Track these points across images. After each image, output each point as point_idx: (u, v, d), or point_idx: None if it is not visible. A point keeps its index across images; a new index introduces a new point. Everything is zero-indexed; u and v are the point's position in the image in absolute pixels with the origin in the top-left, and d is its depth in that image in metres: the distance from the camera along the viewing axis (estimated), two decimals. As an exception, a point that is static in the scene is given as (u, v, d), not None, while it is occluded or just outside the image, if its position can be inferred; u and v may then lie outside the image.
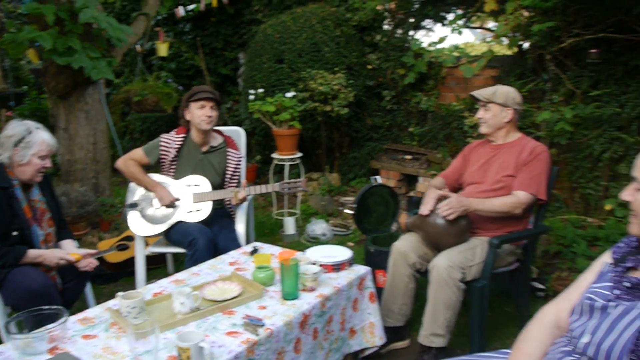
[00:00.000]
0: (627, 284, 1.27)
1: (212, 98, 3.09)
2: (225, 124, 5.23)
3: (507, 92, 2.66)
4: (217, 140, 3.27)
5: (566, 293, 1.49)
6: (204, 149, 3.20)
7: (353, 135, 5.74)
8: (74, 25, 3.86)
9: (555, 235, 3.79)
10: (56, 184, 4.39)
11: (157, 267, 3.83)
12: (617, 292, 1.28)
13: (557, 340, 1.41)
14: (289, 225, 4.46)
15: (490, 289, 2.58)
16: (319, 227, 4.40)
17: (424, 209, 2.55)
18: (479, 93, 2.70)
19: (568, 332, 1.37)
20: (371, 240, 3.24)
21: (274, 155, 4.72)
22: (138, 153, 3.15)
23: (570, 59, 4.19)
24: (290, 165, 4.70)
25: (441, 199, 2.55)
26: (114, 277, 3.73)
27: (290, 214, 4.71)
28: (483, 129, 2.75)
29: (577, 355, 1.29)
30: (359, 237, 4.39)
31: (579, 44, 3.95)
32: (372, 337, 2.43)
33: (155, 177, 3.13)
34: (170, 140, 3.15)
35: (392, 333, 2.72)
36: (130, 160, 3.13)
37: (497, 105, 2.66)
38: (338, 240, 4.40)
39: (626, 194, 1.29)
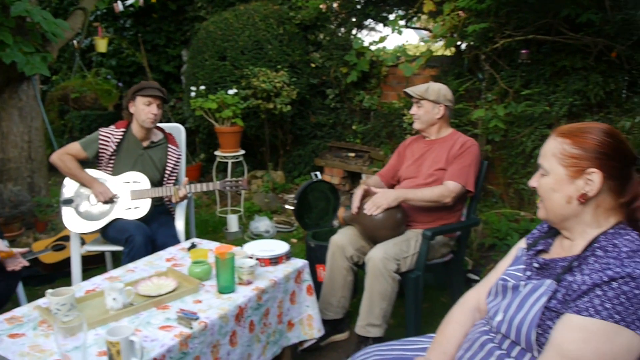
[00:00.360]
0: (536, 265, 1.35)
1: (160, 96, 3.05)
2: (168, 122, 5.16)
3: (438, 89, 2.76)
4: (157, 136, 3.24)
5: (486, 278, 1.57)
6: (145, 144, 3.15)
7: (297, 133, 5.78)
8: (5, 19, 3.72)
9: (491, 229, 3.94)
10: (-12, 184, 4.23)
11: (96, 267, 3.74)
12: (528, 273, 1.37)
13: (478, 322, 1.48)
14: (232, 223, 4.44)
15: (425, 280, 2.67)
16: (262, 224, 4.41)
17: (353, 208, 2.66)
18: (411, 90, 2.79)
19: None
20: (312, 236, 3.28)
21: (217, 153, 4.70)
22: (75, 147, 3.07)
23: (504, 59, 4.37)
24: (234, 162, 4.69)
25: (367, 195, 2.65)
26: (50, 279, 3.62)
27: (234, 212, 4.70)
28: (416, 125, 2.84)
29: (493, 334, 1.36)
30: (302, 234, 4.43)
31: (511, 44, 4.12)
32: (311, 329, 2.46)
33: (92, 173, 3.06)
34: (110, 135, 3.09)
35: (332, 326, 2.77)
36: (66, 155, 3.04)
37: (429, 102, 2.75)
38: (281, 236, 4.41)
39: (533, 181, 1.37)
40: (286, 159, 5.81)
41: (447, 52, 5.03)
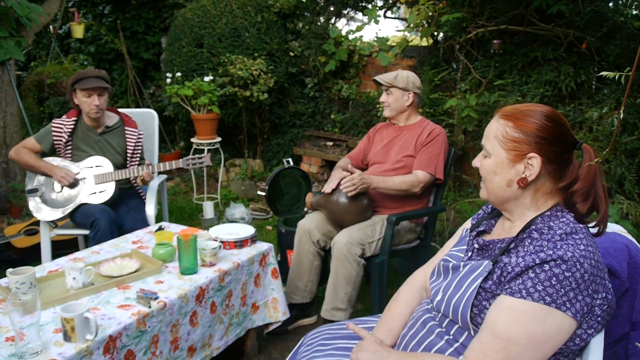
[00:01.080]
0: (476, 246, 1.39)
1: (97, 87, 2.98)
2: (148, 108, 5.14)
3: (407, 77, 2.79)
4: (112, 120, 3.21)
5: (433, 258, 1.60)
6: (100, 129, 3.14)
7: (276, 122, 5.78)
8: (-24, 2, 3.69)
9: (463, 217, 3.99)
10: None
11: (69, 251, 3.72)
12: (469, 253, 1.40)
13: (423, 301, 1.52)
14: (208, 210, 4.46)
15: (392, 266, 2.71)
16: (238, 211, 4.43)
17: (328, 187, 2.65)
18: (380, 78, 2.82)
19: (432, 292, 1.48)
20: (284, 222, 3.31)
21: (194, 140, 4.70)
22: (30, 141, 3.09)
23: (478, 49, 4.41)
24: (211, 150, 4.69)
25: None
26: (22, 263, 3.60)
27: (210, 199, 4.71)
28: (386, 112, 2.87)
29: (435, 313, 1.40)
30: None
31: (484, 34, 4.16)
32: (276, 312, 2.49)
33: (57, 161, 3.07)
34: (62, 125, 3.09)
35: (299, 310, 2.81)
36: (22, 149, 3.06)
37: (398, 89, 2.78)
38: (257, 224, 4.44)
39: (476, 161, 1.39)
40: (265, 147, 5.82)
41: (425, 43, 5.05)
